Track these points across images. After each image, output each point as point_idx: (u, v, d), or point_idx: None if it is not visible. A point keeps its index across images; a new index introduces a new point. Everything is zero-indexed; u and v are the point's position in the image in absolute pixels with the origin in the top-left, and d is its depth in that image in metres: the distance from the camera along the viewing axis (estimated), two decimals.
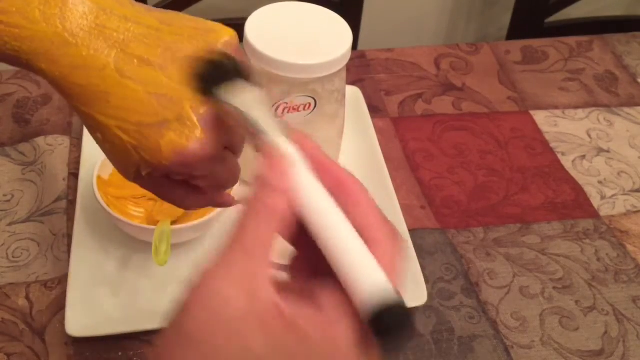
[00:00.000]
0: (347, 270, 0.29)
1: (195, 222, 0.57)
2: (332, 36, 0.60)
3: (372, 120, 0.72)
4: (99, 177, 0.59)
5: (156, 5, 1.03)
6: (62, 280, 0.57)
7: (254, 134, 0.32)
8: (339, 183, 0.32)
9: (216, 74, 0.34)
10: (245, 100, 0.33)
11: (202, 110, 0.37)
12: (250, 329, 0.28)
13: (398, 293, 0.29)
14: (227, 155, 0.41)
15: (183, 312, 0.29)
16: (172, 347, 0.29)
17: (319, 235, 0.30)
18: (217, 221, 0.59)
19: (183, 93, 0.37)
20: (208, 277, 0.29)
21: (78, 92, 0.37)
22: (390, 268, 0.30)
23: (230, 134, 0.39)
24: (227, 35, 0.40)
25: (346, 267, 0.29)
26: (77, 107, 0.38)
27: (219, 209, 0.58)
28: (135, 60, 0.37)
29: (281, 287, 0.30)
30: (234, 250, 0.30)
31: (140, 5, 0.39)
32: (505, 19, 1.20)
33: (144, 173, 0.39)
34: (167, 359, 0.29)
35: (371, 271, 0.29)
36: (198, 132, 0.37)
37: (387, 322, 0.28)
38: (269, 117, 0.33)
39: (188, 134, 0.36)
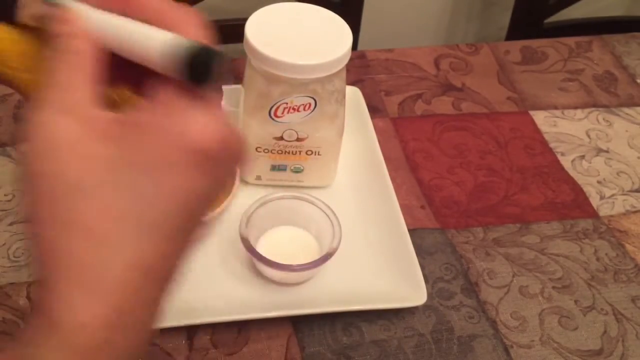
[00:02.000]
0: (145, 44, 0.30)
1: None
2: (332, 36, 0.60)
3: (372, 121, 0.73)
4: None
5: None
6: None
7: (49, 13, 0.34)
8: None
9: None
10: None
11: None
12: (87, 142, 0.29)
13: (196, 41, 0.30)
14: None
15: (24, 158, 0.29)
16: (30, 194, 0.29)
17: (118, 43, 0.31)
18: (217, 220, 0.59)
19: None
20: (33, 119, 0.30)
21: None
22: (194, 33, 0.31)
23: None
24: None
25: (143, 43, 0.30)
26: None
27: (218, 209, 0.58)
28: None
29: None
30: (48, 90, 0.30)
31: None
32: (505, 19, 1.20)
33: None
34: (36, 208, 0.29)
35: (163, 34, 0.30)
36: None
37: (196, 63, 0.29)
38: None
39: None
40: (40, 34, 0.36)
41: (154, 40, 0.30)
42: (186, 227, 0.31)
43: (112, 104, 0.32)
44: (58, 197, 0.28)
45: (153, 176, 0.29)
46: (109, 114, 0.30)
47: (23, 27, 0.36)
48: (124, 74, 0.33)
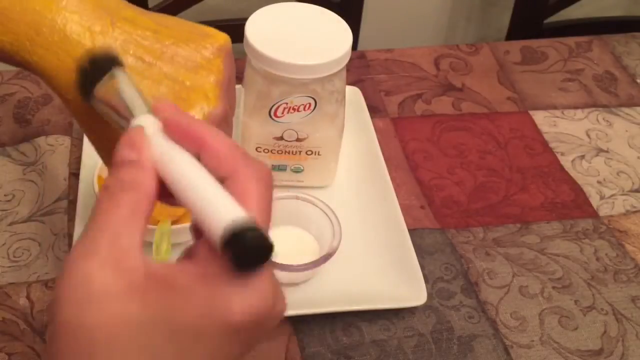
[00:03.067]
0: (202, 211, 0.29)
1: None
2: (332, 36, 0.60)
3: (372, 121, 0.73)
4: (99, 177, 0.59)
5: (157, 6, 1.03)
6: None
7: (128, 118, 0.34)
8: (197, 139, 0.32)
9: (94, 71, 0.35)
10: (120, 87, 0.34)
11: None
12: (121, 299, 0.28)
13: (253, 221, 0.29)
14: (226, 124, 0.42)
15: (54, 302, 0.29)
16: (52, 339, 0.29)
17: (179, 192, 0.30)
18: None
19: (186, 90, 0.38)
20: (71, 262, 0.29)
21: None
22: (253, 204, 0.30)
23: (232, 101, 0.42)
24: (222, 39, 0.41)
25: (201, 208, 0.29)
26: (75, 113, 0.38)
27: None
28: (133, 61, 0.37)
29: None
30: (95, 232, 0.29)
31: (136, 7, 0.39)
32: (505, 19, 1.20)
33: None
34: (51, 353, 0.28)
35: (223, 206, 0.29)
36: (216, 101, 0.39)
37: (237, 244, 0.28)
38: (136, 98, 0.34)
39: (210, 103, 0.39)
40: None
41: (215, 216, 0.29)
42: None
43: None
44: (84, 353, 0.28)
45: (181, 343, 0.28)
46: (149, 266, 0.29)
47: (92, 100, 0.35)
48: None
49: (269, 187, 0.32)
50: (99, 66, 0.35)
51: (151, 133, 0.32)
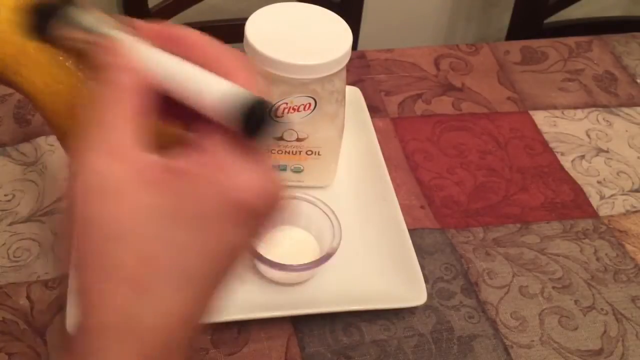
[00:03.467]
0: (201, 92, 0.30)
1: None
2: (332, 36, 0.60)
3: (372, 121, 0.73)
4: None
5: (157, 6, 1.03)
6: (63, 280, 0.58)
7: (93, 41, 0.33)
8: (175, 38, 0.33)
9: (45, 11, 0.34)
10: (82, 17, 0.34)
11: None
12: (135, 191, 0.29)
13: (250, 93, 0.30)
14: None
15: (69, 203, 0.29)
16: (75, 234, 0.29)
17: (173, 85, 0.31)
18: None
19: None
20: (80, 160, 0.29)
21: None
22: (246, 81, 0.31)
23: None
24: None
25: (199, 90, 0.30)
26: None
27: None
28: None
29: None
30: (94, 130, 0.30)
31: None
32: (505, 19, 1.20)
33: None
34: (83, 252, 0.29)
35: (220, 82, 0.30)
36: None
37: (251, 116, 0.29)
38: (104, 22, 0.34)
39: None
40: (71, 53, 0.36)
41: (210, 88, 0.30)
42: (223, 277, 0.31)
43: (159, 140, 0.32)
44: (103, 245, 0.29)
45: (197, 230, 0.29)
46: (157, 160, 0.30)
47: (52, 41, 0.35)
48: (171, 110, 0.33)
49: (254, 73, 0.33)
50: (53, 5, 0.34)
51: (129, 41, 0.32)
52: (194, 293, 0.30)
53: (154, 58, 0.32)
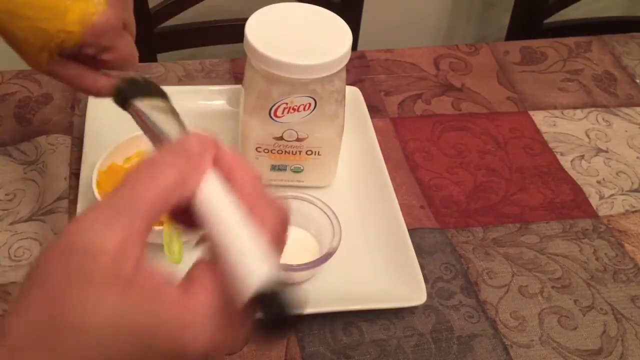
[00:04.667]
0: (237, 260, 0.31)
1: None
2: (332, 36, 0.60)
3: (372, 121, 0.73)
4: (99, 172, 0.59)
5: (157, 6, 1.03)
6: None
7: (159, 137, 0.37)
8: (227, 172, 0.33)
9: (134, 89, 0.40)
10: (155, 108, 0.39)
11: None
12: (109, 288, 0.28)
13: (279, 279, 0.31)
14: (125, 33, 0.48)
15: (47, 252, 0.29)
16: (26, 288, 0.29)
17: (216, 231, 0.32)
18: None
19: None
20: (81, 230, 0.29)
21: None
22: (274, 239, 0.32)
23: (127, 13, 0.47)
24: None
25: (236, 257, 0.31)
26: None
27: None
28: None
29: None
30: (120, 203, 0.30)
31: None
32: (505, 19, 1.20)
33: (55, 55, 0.46)
34: (20, 301, 0.29)
35: (254, 258, 0.31)
36: (103, 5, 0.45)
37: (268, 306, 0.30)
38: (175, 124, 0.37)
39: (95, 5, 0.45)
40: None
41: (246, 269, 0.30)
42: None
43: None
44: (57, 330, 0.28)
45: (140, 350, 0.29)
46: (145, 264, 0.30)
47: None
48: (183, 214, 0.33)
49: (284, 221, 0.34)
50: (141, 87, 0.40)
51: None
52: None
53: (211, 194, 0.32)
